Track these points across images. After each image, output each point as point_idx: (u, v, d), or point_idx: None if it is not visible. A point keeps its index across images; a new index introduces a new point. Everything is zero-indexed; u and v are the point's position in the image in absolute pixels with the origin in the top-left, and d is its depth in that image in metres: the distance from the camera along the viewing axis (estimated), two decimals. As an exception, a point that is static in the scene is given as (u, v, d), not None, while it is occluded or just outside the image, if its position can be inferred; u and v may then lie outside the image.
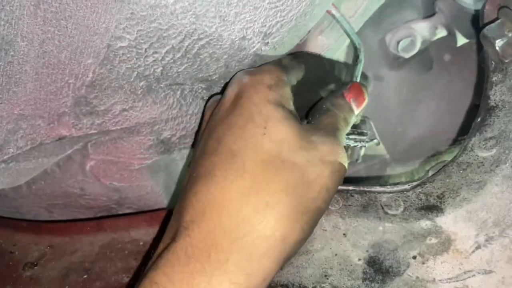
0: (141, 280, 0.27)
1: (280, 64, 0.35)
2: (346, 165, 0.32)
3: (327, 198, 0.30)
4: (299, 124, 0.31)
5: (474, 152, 0.29)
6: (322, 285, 0.31)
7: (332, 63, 0.41)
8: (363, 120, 0.44)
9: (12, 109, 0.32)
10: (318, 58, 0.41)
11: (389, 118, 0.52)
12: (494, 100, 0.28)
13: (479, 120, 0.29)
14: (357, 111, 0.37)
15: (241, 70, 0.35)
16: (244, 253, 0.26)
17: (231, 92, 0.33)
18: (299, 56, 0.38)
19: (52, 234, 0.39)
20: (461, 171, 0.30)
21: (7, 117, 0.32)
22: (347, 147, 0.40)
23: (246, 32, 0.33)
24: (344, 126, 0.35)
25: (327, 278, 0.32)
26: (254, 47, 0.35)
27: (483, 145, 0.29)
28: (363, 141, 0.40)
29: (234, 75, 0.35)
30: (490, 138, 0.29)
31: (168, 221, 0.30)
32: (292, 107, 0.33)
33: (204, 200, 0.28)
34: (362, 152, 0.41)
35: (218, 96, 0.36)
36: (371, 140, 0.41)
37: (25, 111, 0.32)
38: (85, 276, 0.36)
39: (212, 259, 0.26)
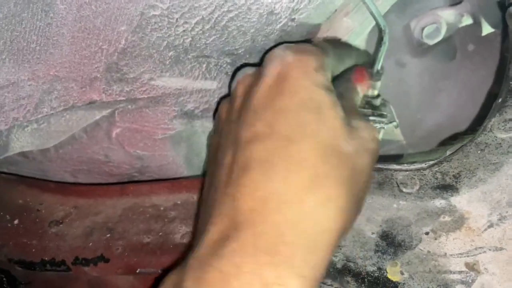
0: (204, 267, 0.26)
1: (321, 47, 0.34)
2: (379, 145, 0.32)
3: (368, 189, 0.30)
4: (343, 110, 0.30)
5: (493, 133, 0.30)
6: (335, 254, 0.32)
7: (360, 52, 0.41)
8: (383, 103, 0.45)
9: (49, 70, 0.33)
10: (350, 47, 0.41)
11: (409, 104, 0.52)
12: (516, 82, 0.29)
13: (499, 101, 0.29)
14: (361, 93, 0.38)
15: (279, 44, 0.33)
16: (309, 247, 0.26)
17: (273, 70, 0.31)
18: (337, 43, 0.38)
19: (77, 196, 0.41)
20: (478, 152, 0.30)
21: (43, 77, 0.33)
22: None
23: (275, 7, 0.34)
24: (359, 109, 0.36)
25: (340, 249, 0.33)
26: (281, 22, 0.36)
27: (502, 126, 0.29)
28: (382, 123, 0.41)
29: (271, 51, 0.32)
30: (510, 119, 0.29)
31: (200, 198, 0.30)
32: (335, 93, 0.31)
33: (265, 189, 0.27)
34: (381, 134, 0.41)
35: (249, 70, 0.34)
36: (390, 122, 0.42)
37: (60, 73, 0.34)
38: (108, 235, 0.37)
39: (281, 252, 0.25)
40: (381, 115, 0.41)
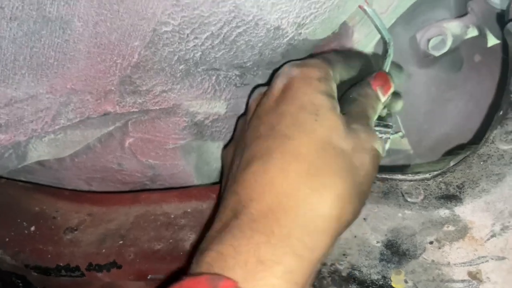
0: (203, 253, 0.28)
1: (327, 59, 0.37)
2: (382, 152, 0.33)
3: (370, 183, 0.32)
4: (342, 114, 0.33)
5: (495, 144, 0.30)
6: (340, 262, 0.33)
7: (371, 58, 0.42)
8: (389, 114, 0.45)
9: (66, 83, 0.35)
10: (360, 56, 0.42)
11: (416, 115, 0.53)
12: (517, 95, 0.30)
13: (501, 113, 0.30)
14: (383, 98, 0.39)
15: (286, 62, 0.37)
16: (305, 229, 0.28)
17: (279, 83, 0.35)
18: (344, 54, 0.40)
19: (91, 204, 0.43)
20: (481, 163, 0.31)
21: (60, 90, 0.35)
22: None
23: (281, 22, 0.35)
24: (372, 114, 0.37)
25: (346, 257, 0.33)
26: (287, 36, 0.37)
27: (504, 138, 0.30)
28: (388, 133, 0.41)
29: (281, 68, 0.36)
30: (511, 131, 0.30)
31: (219, 199, 0.32)
32: (336, 100, 0.34)
33: (262, 180, 0.29)
34: (387, 145, 0.42)
35: (263, 89, 0.38)
36: (396, 132, 0.42)
37: (76, 86, 0.36)
38: (121, 242, 0.39)
39: (276, 233, 0.27)
40: (387, 126, 0.42)
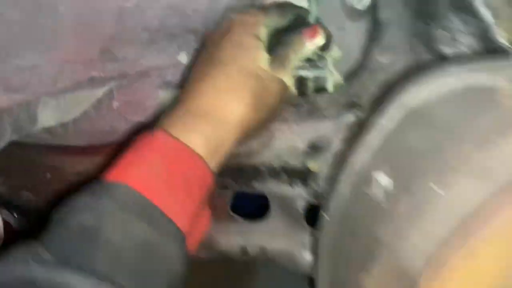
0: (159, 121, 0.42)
1: (263, 9, 0.49)
2: (291, 85, 0.45)
3: (275, 104, 0.45)
4: (266, 54, 0.45)
5: (375, 58, 0.41)
6: (274, 163, 0.45)
7: (304, 11, 0.53)
8: (321, 57, 0.56)
9: (60, 55, 0.46)
10: (294, 8, 0.53)
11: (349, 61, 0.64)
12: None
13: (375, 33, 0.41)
14: (309, 45, 0.49)
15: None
16: (217, 120, 0.41)
17: (225, 25, 0.47)
18: (279, 6, 0.51)
19: (91, 155, 0.55)
20: (368, 74, 0.42)
21: (56, 60, 0.46)
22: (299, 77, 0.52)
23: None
24: (293, 56, 0.47)
25: (279, 158, 0.45)
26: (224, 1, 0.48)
27: (380, 52, 0.41)
28: (315, 72, 0.52)
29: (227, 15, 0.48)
30: (386, 46, 0.40)
31: None
32: (264, 41, 0.46)
33: (199, 89, 0.43)
34: (310, 81, 0.52)
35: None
36: (323, 72, 0.53)
37: (68, 57, 0.47)
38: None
39: (196, 117, 0.41)
40: (316, 67, 0.53)
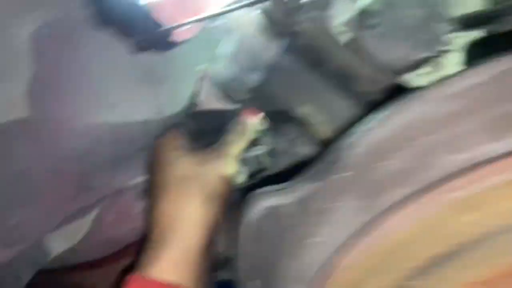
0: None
1: (176, 127, 0.58)
2: (229, 168, 0.52)
3: (221, 191, 0.51)
4: (194, 155, 0.53)
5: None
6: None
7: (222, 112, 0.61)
8: (264, 133, 0.61)
9: (45, 202, 0.58)
10: (210, 113, 0.62)
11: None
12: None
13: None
14: (252, 121, 0.56)
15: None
16: (177, 233, 0.48)
17: (152, 153, 0.56)
18: (194, 117, 0.60)
19: (102, 266, 0.65)
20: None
21: (43, 208, 0.58)
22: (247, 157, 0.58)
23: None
24: (237, 139, 0.54)
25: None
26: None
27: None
28: (257, 151, 0.58)
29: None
30: None
31: None
32: (186, 148, 0.54)
33: (153, 217, 0.51)
34: (266, 159, 0.58)
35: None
36: (267, 149, 0.59)
37: (52, 203, 0.59)
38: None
39: (161, 242, 0.49)
40: (256, 144, 0.59)
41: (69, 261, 0.70)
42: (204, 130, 0.59)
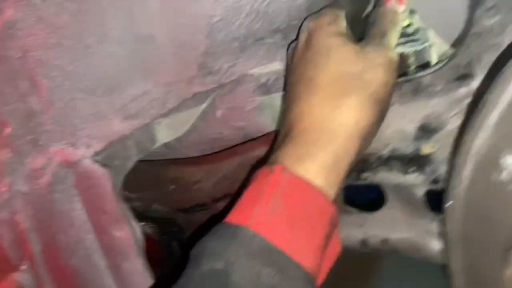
0: (270, 157, 0.42)
1: (336, 4, 0.47)
2: (395, 59, 0.42)
3: (386, 90, 0.41)
4: (355, 44, 0.43)
5: (481, 21, 0.36)
6: (383, 151, 0.42)
7: None
8: (417, 30, 0.51)
9: (164, 78, 0.51)
10: None
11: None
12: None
13: (479, -6, 0.36)
14: (400, 9, 0.45)
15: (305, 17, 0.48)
16: (328, 141, 0.39)
17: (302, 37, 0.46)
18: None
19: (206, 163, 0.59)
20: (476, 40, 0.37)
21: (161, 84, 0.51)
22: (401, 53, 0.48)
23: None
24: (391, 28, 0.44)
25: (387, 146, 0.42)
26: (303, -5, 0.47)
27: (486, 14, 0.35)
28: (413, 46, 0.48)
29: (302, 24, 0.48)
30: (491, 7, 0.35)
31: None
32: (348, 34, 0.44)
33: (297, 112, 0.42)
34: (412, 57, 0.48)
35: (293, 44, 0.49)
36: (422, 44, 0.49)
37: (171, 79, 0.51)
38: (228, 182, 0.53)
39: (307, 144, 0.40)
40: (413, 40, 0.49)
41: (170, 155, 0.64)
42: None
